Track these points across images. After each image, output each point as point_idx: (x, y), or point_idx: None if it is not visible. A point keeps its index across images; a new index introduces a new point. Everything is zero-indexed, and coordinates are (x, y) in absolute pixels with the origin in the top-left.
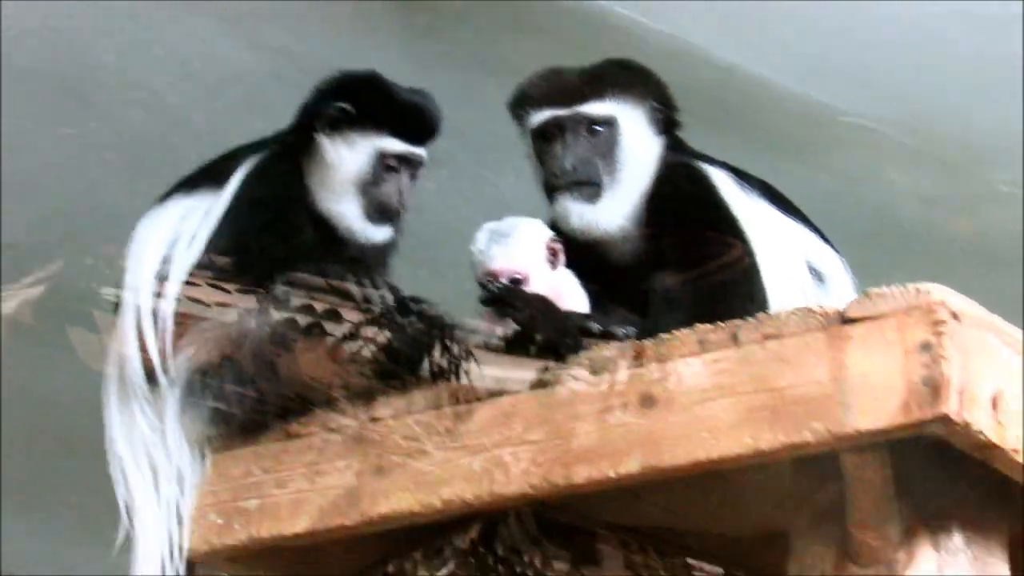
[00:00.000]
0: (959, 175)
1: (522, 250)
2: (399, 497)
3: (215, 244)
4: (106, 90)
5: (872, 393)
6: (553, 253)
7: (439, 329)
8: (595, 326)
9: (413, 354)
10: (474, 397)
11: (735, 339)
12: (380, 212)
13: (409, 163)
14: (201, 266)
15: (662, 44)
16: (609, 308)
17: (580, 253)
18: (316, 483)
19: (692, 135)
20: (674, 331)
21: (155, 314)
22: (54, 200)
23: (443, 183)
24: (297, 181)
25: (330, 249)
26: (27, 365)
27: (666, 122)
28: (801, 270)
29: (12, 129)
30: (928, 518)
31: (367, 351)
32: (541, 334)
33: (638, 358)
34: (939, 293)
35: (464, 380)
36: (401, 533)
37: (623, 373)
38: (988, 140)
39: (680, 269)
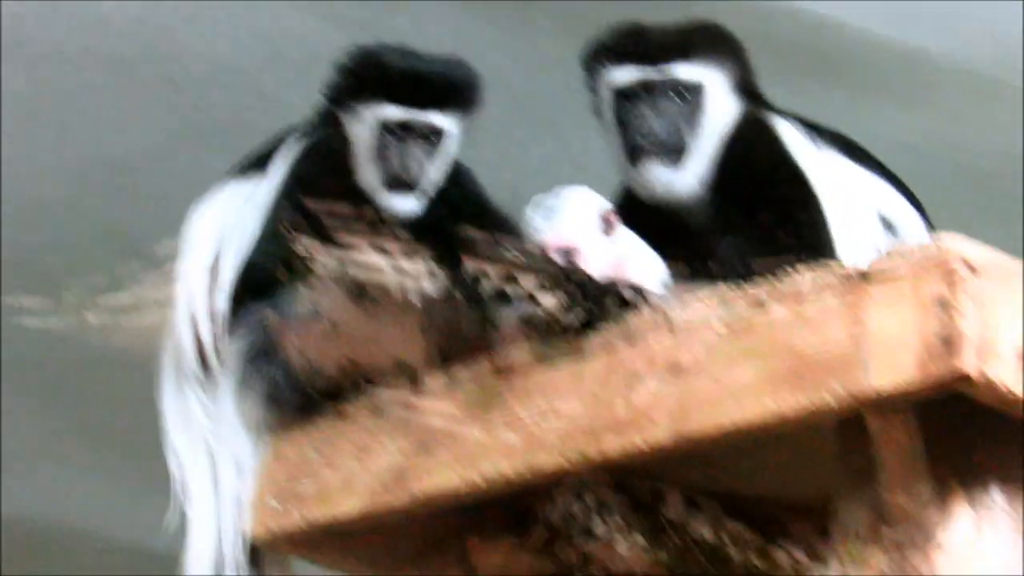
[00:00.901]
0: None
1: (571, 222)
2: (442, 475)
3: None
4: (198, 76)
5: (889, 352)
6: (607, 222)
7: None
8: (628, 291)
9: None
10: (513, 369)
11: (758, 302)
12: (395, 183)
13: (412, 130)
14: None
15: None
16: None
17: (653, 218)
18: (365, 463)
19: (788, 87)
20: (699, 295)
21: (210, 301)
22: (156, 186)
23: (549, 151)
24: (338, 157)
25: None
26: None
27: (744, 85)
28: (872, 221)
29: (111, 116)
30: (963, 477)
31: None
32: (575, 303)
33: (668, 324)
34: (955, 245)
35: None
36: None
37: (653, 340)
38: None
39: (745, 227)
